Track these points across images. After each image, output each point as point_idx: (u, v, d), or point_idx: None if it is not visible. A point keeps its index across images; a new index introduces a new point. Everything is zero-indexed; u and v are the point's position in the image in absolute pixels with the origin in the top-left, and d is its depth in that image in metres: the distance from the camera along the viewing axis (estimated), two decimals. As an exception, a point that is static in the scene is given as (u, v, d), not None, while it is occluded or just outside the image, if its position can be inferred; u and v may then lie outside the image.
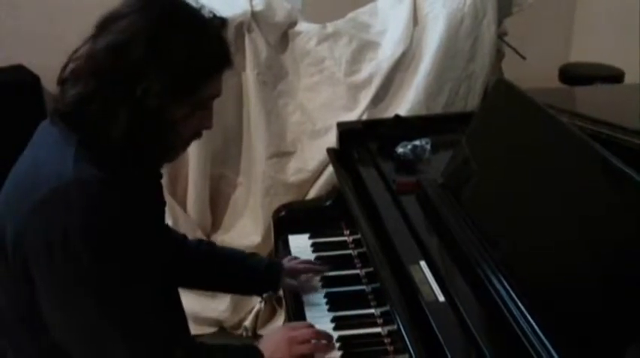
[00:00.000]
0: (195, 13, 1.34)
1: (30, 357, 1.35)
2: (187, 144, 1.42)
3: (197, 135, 1.41)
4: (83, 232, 1.20)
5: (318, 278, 1.82)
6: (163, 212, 1.58)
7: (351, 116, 2.83)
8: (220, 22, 1.36)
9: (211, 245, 1.83)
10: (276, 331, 1.56)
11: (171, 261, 1.56)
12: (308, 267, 1.82)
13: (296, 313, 1.73)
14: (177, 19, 1.29)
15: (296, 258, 1.86)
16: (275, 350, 1.46)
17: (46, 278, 1.24)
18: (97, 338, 1.26)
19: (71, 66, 1.31)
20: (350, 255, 1.91)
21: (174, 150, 1.41)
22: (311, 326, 1.56)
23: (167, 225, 1.74)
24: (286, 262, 1.81)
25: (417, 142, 1.95)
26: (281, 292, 1.88)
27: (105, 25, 1.29)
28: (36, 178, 1.26)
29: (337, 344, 1.55)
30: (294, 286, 1.80)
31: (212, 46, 1.32)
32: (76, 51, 1.30)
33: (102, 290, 1.24)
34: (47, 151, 1.31)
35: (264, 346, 1.47)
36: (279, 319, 2.86)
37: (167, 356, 1.32)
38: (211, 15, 1.36)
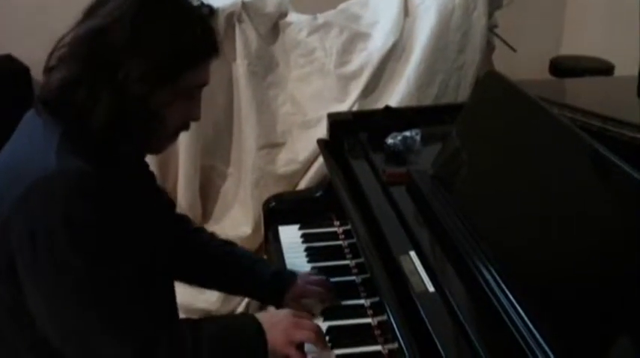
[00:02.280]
0: (182, 1, 1.32)
1: (18, 350, 1.33)
2: (174, 135, 1.40)
3: (184, 126, 1.39)
4: (65, 223, 1.19)
5: (320, 306, 1.65)
6: (156, 201, 1.56)
7: (342, 107, 2.83)
8: (209, 11, 1.35)
9: (224, 243, 1.75)
10: (282, 311, 1.50)
11: (171, 249, 1.53)
12: (321, 293, 1.66)
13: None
14: (163, 5, 1.29)
15: (313, 274, 1.74)
16: (275, 324, 1.41)
17: (30, 269, 1.22)
18: (80, 327, 1.25)
19: (57, 54, 1.30)
20: (340, 245, 1.92)
21: (158, 139, 1.39)
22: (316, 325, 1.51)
23: (180, 215, 1.73)
24: (300, 280, 1.67)
25: (407, 133, 1.95)
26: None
27: (92, 10, 1.29)
28: (20, 170, 1.25)
29: (327, 335, 1.55)
30: (296, 308, 1.61)
31: (196, 34, 1.30)
32: (62, 38, 1.30)
33: (85, 281, 1.23)
34: (31, 143, 1.30)
35: (264, 317, 1.43)
36: (270, 310, 2.86)
37: (151, 343, 1.29)
38: (199, 3, 1.35)
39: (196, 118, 1.40)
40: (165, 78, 1.28)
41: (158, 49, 1.25)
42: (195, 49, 1.31)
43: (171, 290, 1.58)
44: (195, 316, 2.81)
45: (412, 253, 1.49)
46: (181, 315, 1.66)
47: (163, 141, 1.40)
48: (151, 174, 1.56)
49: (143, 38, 1.25)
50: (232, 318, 1.49)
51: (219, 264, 1.70)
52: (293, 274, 1.70)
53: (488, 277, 1.34)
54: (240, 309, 2.88)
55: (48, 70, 1.31)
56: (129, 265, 1.28)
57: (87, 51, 1.25)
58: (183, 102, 1.34)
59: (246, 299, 2.86)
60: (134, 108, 1.27)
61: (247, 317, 1.46)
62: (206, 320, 1.45)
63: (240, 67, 2.84)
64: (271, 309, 1.49)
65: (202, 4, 1.35)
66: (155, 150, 1.44)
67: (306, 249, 1.92)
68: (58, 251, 1.20)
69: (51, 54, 1.31)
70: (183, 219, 1.75)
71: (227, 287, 1.80)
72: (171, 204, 1.64)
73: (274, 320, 1.43)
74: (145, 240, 1.36)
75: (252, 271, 1.69)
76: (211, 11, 1.37)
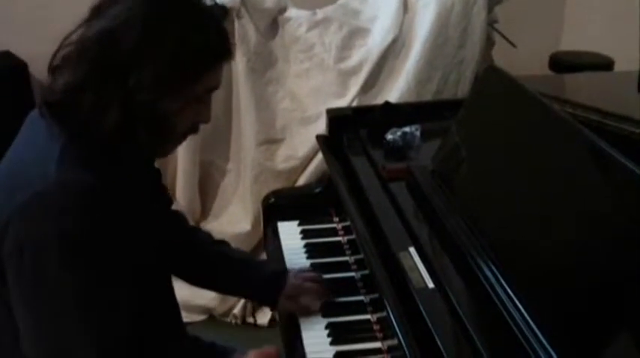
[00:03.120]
0: (196, 2, 1.28)
1: (13, 352, 1.30)
2: (183, 138, 1.37)
3: (193, 129, 1.36)
4: (58, 238, 1.17)
5: (319, 302, 1.64)
6: (164, 204, 1.55)
7: (341, 103, 2.83)
8: (222, 12, 1.32)
9: (219, 243, 1.73)
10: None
11: (171, 249, 1.52)
12: (315, 289, 1.65)
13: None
14: (175, 8, 1.24)
15: (304, 270, 1.74)
16: None
17: (17, 281, 1.20)
18: (65, 346, 1.22)
19: (62, 52, 1.26)
20: (339, 242, 1.91)
21: (167, 144, 1.36)
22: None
23: (177, 212, 1.71)
24: (292, 277, 1.66)
25: (406, 129, 1.95)
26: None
27: (99, 9, 1.25)
28: (22, 178, 1.23)
29: (326, 331, 1.55)
30: (292, 307, 1.64)
31: (209, 38, 1.26)
32: (67, 36, 1.26)
33: (72, 298, 1.20)
34: (34, 149, 1.27)
35: None
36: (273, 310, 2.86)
37: None
38: (213, 3, 1.31)
39: (206, 121, 1.36)
40: (175, 84, 1.24)
41: (168, 56, 1.21)
42: (207, 53, 1.27)
43: (171, 293, 1.55)
44: (194, 313, 2.85)
45: (412, 249, 1.48)
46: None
47: (170, 144, 1.37)
48: (157, 171, 1.54)
49: (152, 44, 1.21)
50: None
51: (214, 263, 1.68)
52: (286, 274, 1.68)
53: (488, 273, 1.33)
54: (238, 307, 2.88)
55: (52, 69, 1.28)
56: (120, 279, 1.25)
57: (95, 54, 1.21)
58: (193, 106, 1.31)
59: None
60: (144, 113, 1.23)
61: None
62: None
63: (240, 63, 2.84)
64: None
65: (216, 4, 1.31)
66: (162, 154, 1.42)
67: (306, 245, 1.91)
68: (46, 266, 1.17)
69: (56, 52, 1.27)
70: (179, 216, 1.72)
71: (222, 287, 1.79)
72: (170, 201, 1.63)
73: None
74: (145, 246, 1.34)
75: (247, 272, 1.68)
76: (225, 12, 1.33)
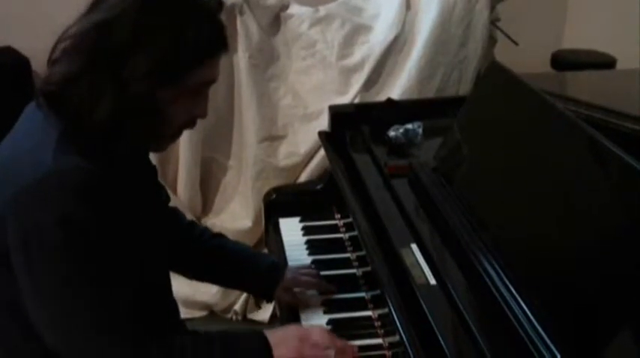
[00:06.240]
0: None
1: (16, 344, 1.32)
2: (179, 132, 1.37)
3: (189, 123, 1.36)
4: (59, 225, 1.17)
5: (319, 296, 1.67)
6: (158, 197, 1.55)
7: (343, 100, 2.83)
8: (217, 5, 1.32)
9: (217, 236, 1.73)
10: (290, 326, 1.46)
11: (168, 246, 1.52)
12: (312, 282, 1.68)
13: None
14: (170, 1, 1.24)
15: (303, 267, 1.75)
16: (283, 342, 1.36)
17: (25, 269, 1.21)
18: (73, 327, 1.23)
19: (60, 46, 1.27)
20: (341, 238, 1.91)
21: (162, 136, 1.35)
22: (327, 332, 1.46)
23: (174, 208, 1.72)
24: (289, 272, 1.68)
25: (409, 126, 1.95)
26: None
27: (97, 2, 1.26)
28: (17, 167, 1.23)
29: (328, 327, 1.55)
30: (290, 299, 1.66)
31: (203, 30, 1.26)
32: (66, 30, 1.27)
33: (78, 286, 1.21)
34: (30, 138, 1.27)
35: (272, 335, 1.38)
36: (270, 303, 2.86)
37: (142, 349, 1.27)
38: None
39: (202, 116, 1.36)
40: (170, 75, 1.24)
41: (162, 46, 1.21)
42: (202, 46, 1.26)
43: (168, 287, 1.56)
44: (194, 309, 2.86)
45: (413, 246, 1.49)
46: (181, 308, 1.65)
47: (167, 138, 1.37)
48: (153, 168, 1.54)
49: (146, 34, 1.21)
50: (238, 334, 1.44)
51: (212, 256, 1.69)
52: (284, 266, 1.71)
53: (490, 269, 1.34)
54: (239, 303, 2.89)
55: (51, 62, 1.28)
56: (123, 266, 1.26)
57: (90, 45, 1.22)
58: (189, 99, 1.30)
59: (246, 293, 2.86)
60: (137, 104, 1.24)
61: (255, 333, 1.40)
62: (210, 333, 1.41)
63: (242, 60, 2.84)
64: (280, 328, 1.47)
65: None
66: (158, 148, 1.42)
67: (307, 242, 1.91)
68: (51, 251, 1.18)
69: (55, 46, 1.28)
70: (176, 212, 1.73)
71: (220, 280, 1.79)
72: (167, 198, 1.63)
73: (284, 336, 1.39)
74: (142, 239, 1.34)
75: (245, 264, 1.68)
76: (220, 5, 1.32)
